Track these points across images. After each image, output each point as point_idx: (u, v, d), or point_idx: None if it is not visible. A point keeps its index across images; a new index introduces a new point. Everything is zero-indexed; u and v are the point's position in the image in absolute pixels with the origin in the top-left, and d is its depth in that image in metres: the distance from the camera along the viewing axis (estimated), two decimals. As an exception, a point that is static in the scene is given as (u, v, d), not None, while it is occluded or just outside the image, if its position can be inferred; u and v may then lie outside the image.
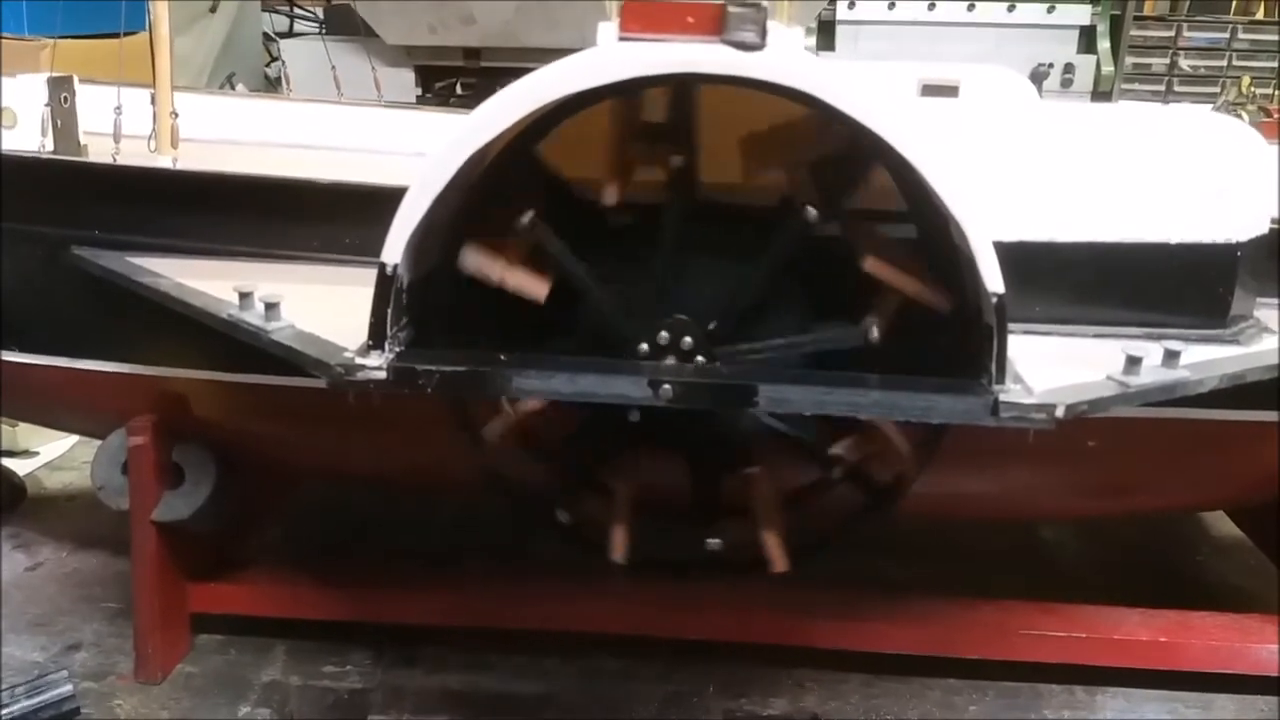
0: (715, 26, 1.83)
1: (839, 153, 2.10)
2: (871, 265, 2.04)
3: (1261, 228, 2.33)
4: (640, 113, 2.25)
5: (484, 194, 2.14)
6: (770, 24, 1.87)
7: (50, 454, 4.21)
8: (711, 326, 2.10)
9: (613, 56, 1.85)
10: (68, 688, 2.67)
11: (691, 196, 2.11)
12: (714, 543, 2.31)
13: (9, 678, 2.83)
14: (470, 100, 6.60)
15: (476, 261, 2.09)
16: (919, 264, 2.12)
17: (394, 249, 1.95)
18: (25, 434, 4.13)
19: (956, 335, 2.06)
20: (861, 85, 1.90)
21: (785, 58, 1.84)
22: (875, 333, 2.03)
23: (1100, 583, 3.47)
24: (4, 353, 2.83)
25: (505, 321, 2.22)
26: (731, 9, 1.80)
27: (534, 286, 2.09)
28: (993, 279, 1.88)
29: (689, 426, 2.25)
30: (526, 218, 2.03)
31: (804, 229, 2.03)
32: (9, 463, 4.01)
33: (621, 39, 1.87)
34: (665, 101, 2.17)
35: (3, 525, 3.67)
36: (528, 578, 3.01)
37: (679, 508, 2.45)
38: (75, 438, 4.16)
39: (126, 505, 2.79)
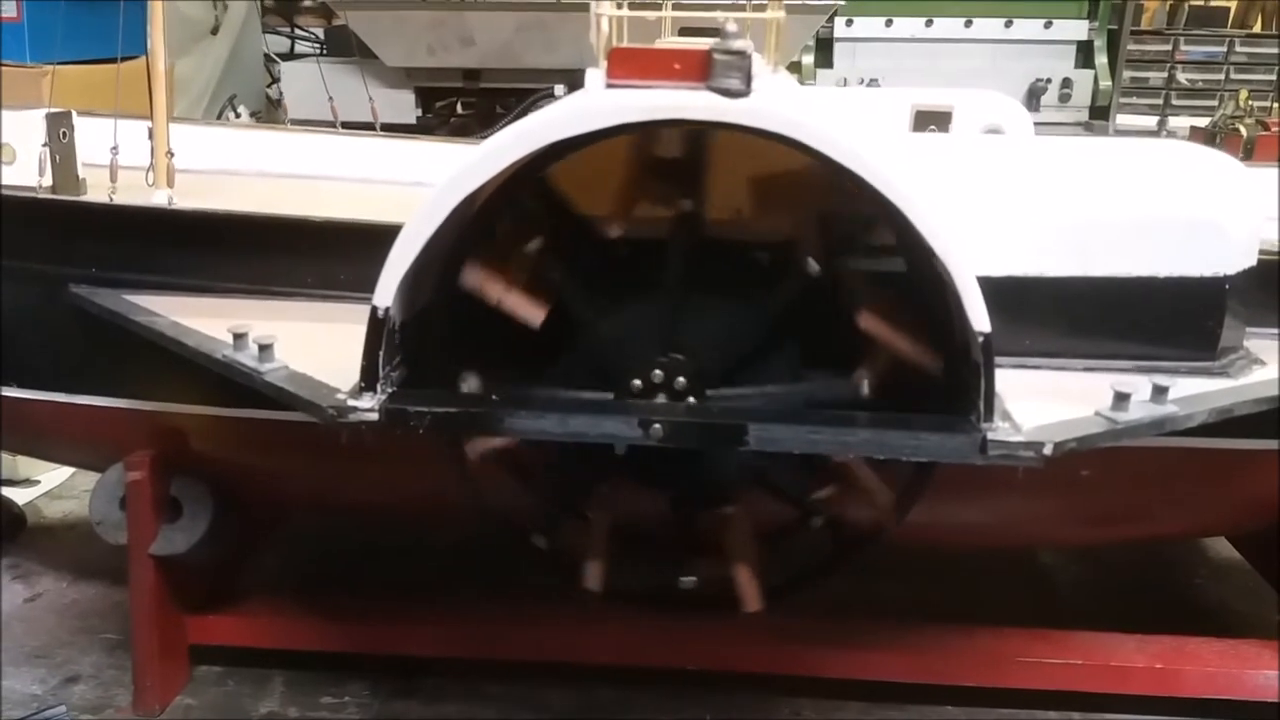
0: (701, 73, 1.84)
1: (847, 206, 2.12)
2: (867, 321, 2.06)
3: (1249, 260, 2.34)
4: (649, 150, 2.26)
5: (477, 232, 2.16)
6: (757, 68, 1.89)
7: (50, 483, 4.22)
8: (705, 367, 2.12)
9: (598, 104, 1.87)
10: (66, 722, 2.69)
11: (695, 238, 2.13)
12: (688, 580, 2.34)
13: (9, 711, 2.84)
14: (470, 121, 6.65)
15: (477, 280, 2.11)
16: (909, 306, 2.13)
17: (385, 292, 1.97)
18: (25, 463, 4.14)
19: (944, 373, 2.07)
20: (845, 126, 1.91)
21: (768, 103, 1.86)
22: (866, 388, 2.06)
23: (1097, 607, 3.48)
24: (4, 388, 2.85)
25: (496, 353, 2.24)
26: (717, 56, 1.82)
27: (530, 311, 2.11)
28: (979, 318, 1.89)
29: (668, 462, 2.26)
30: (535, 243, 2.06)
31: (804, 281, 2.06)
32: (9, 492, 4.03)
33: (609, 86, 1.89)
34: (675, 137, 2.18)
35: (3, 555, 3.69)
36: (525, 608, 3.01)
37: (656, 540, 2.47)
38: (75, 467, 4.18)
39: (124, 540, 2.81)
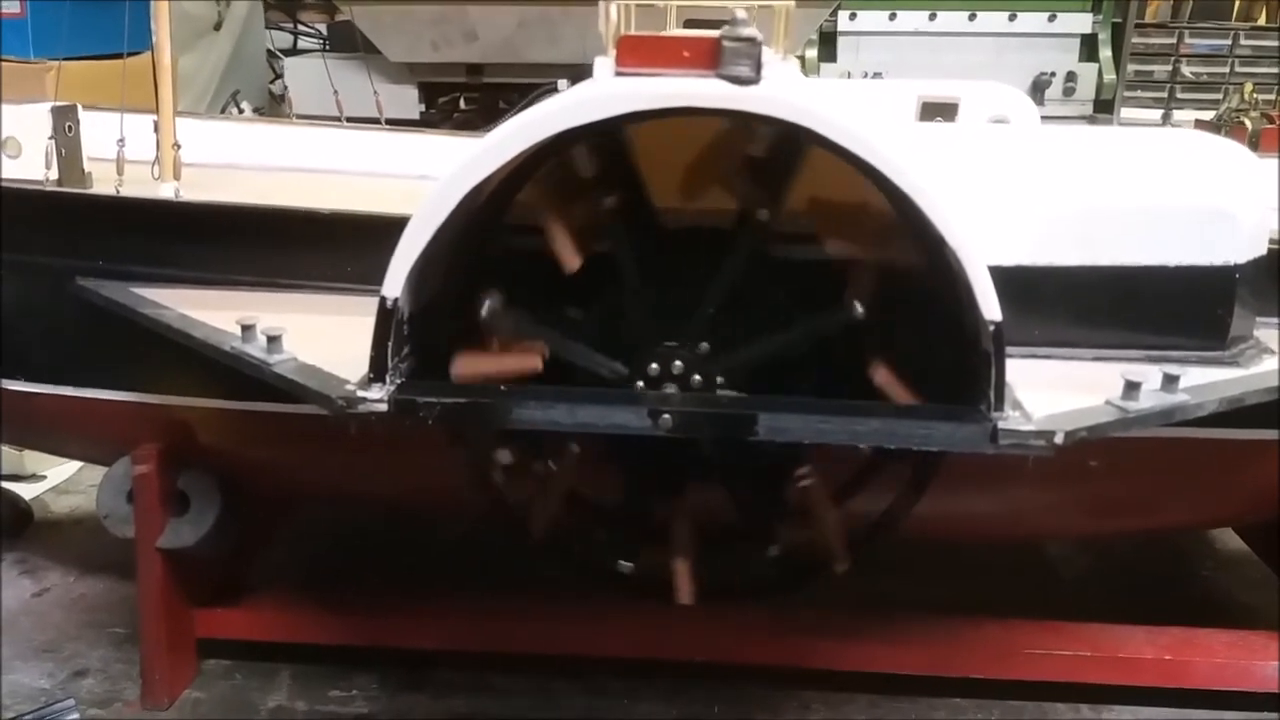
0: (711, 60, 1.84)
1: (768, 150, 2.11)
2: (880, 376, 2.08)
3: (1260, 249, 2.33)
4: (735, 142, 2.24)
5: (485, 222, 2.16)
6: (766, 55, 1.89)
7: (57, 477, 4.22)
8: (702, 347, 2.13)
9: (607, 92, 1.86)
10: (75, 716, 2.67)
11: (760, 245, 2.14)
12: (625, 565, 2.38)
13: (17, 705, 2.84)
14: (473, 116, 6.65)
15: (540, 202, 2.11)
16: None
17: (394, 283, 1.97)
18: (32, 458, 4.14)
19: (955, 361, 2.06)
20: (857, 114, 1.91)
21: (778, 90, 1.85)
22: (859, 309, 2.05)
23: (1105, 598, 3.47)
24: (10, 382, 2.85)
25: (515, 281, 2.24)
26: (726, 43, 1.81)
27: (570, 257, 2.10)
28: (990, 307, 1.89)
29: (641, 448, 2.27)
30: (485, 307, 2.10)
31: (760, 230, 2.07)
32: (16, 487, 4.03)
33: (618, 74, 1.88)
34: (765, 137, 2.15)
35: (10, 550, 3.69)
36: (533, 601, 3.01)
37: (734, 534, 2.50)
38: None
39: (132, 533, 2.81)
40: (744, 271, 2.13)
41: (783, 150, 2.07)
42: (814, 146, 1.91)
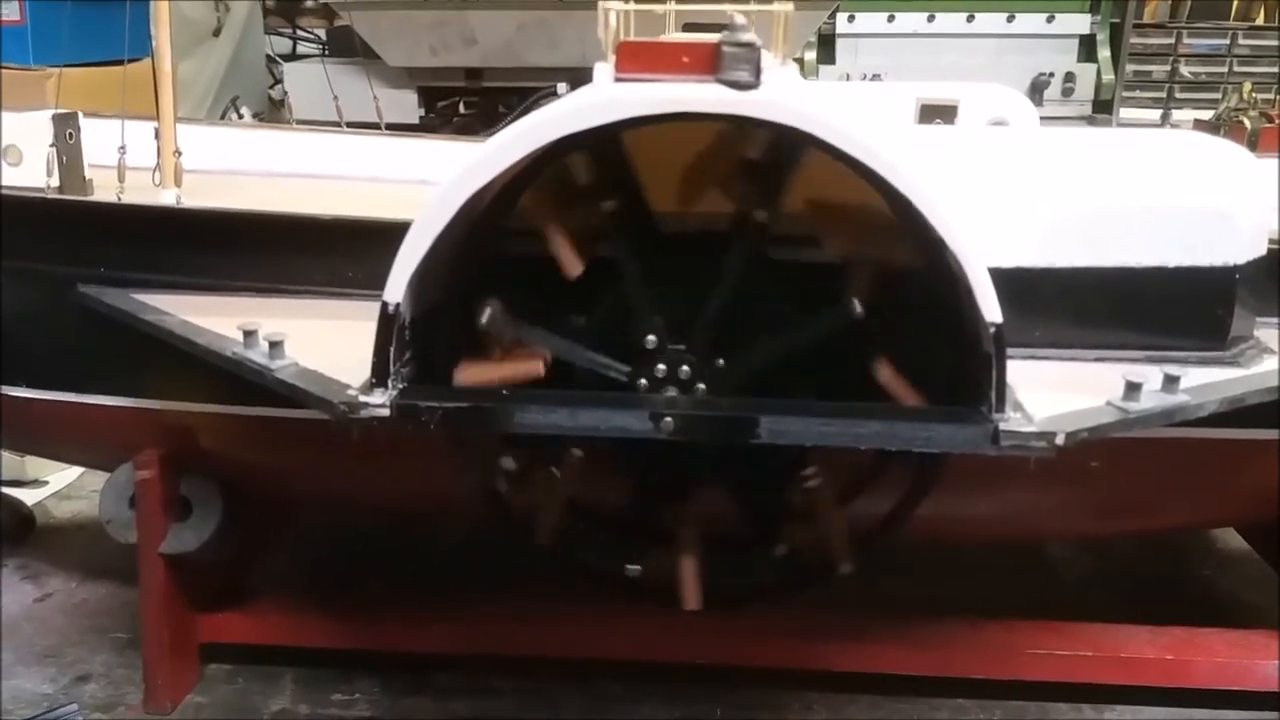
0: (710, 66, 1.84)
1: (763, 153, 2.11)
2: (883, 374, 2.07)
3: (1259, 249, 2.34)
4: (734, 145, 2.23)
5: (487, 227, 2.17)
6: (765, 60, 1.89)
7: (59, 483, 4.22)
8: (703, 350, 2.13)
9: (607, 97, 1.87)
10: (78, 721, 2.69)
11: (759, 248, 2.15)
12: (633, 569, 2.37)
13: (19, 711, 2.85)
14: (472, 120, 6.65)
15: (540, 212, 2.11)
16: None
17: (395, 288, 1.97)
18: (34, 463, 4.15)
19: (956, 362, 2.07)
20: (856, 118, 1.91)
21: (778, 95, 1.86)
22: (858, 307, 2.05)
23: (1106, 598, 3.47)
24: (12, 388, 2.86)
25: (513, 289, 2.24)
26: (725, 48, 1.82)
27: (572, 262, 2.11)
28: (990, 309, 1.89)
29: (644, 453, 2.28)
30: (486, 315, 2.09)
31: (759, 232, 2.07)
32: (18, 492, 4.03)
33: (617, 79, 1.89)
34: (762, 140, 2.15)
35: (12, 555, 3.69)
36: (534, 604, 3.02)
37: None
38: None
39: (134, 539, 2.81)
40: (744, 274, 2.14)
41: (780, 152, 2.08)
42: (814, 150, 1.91)
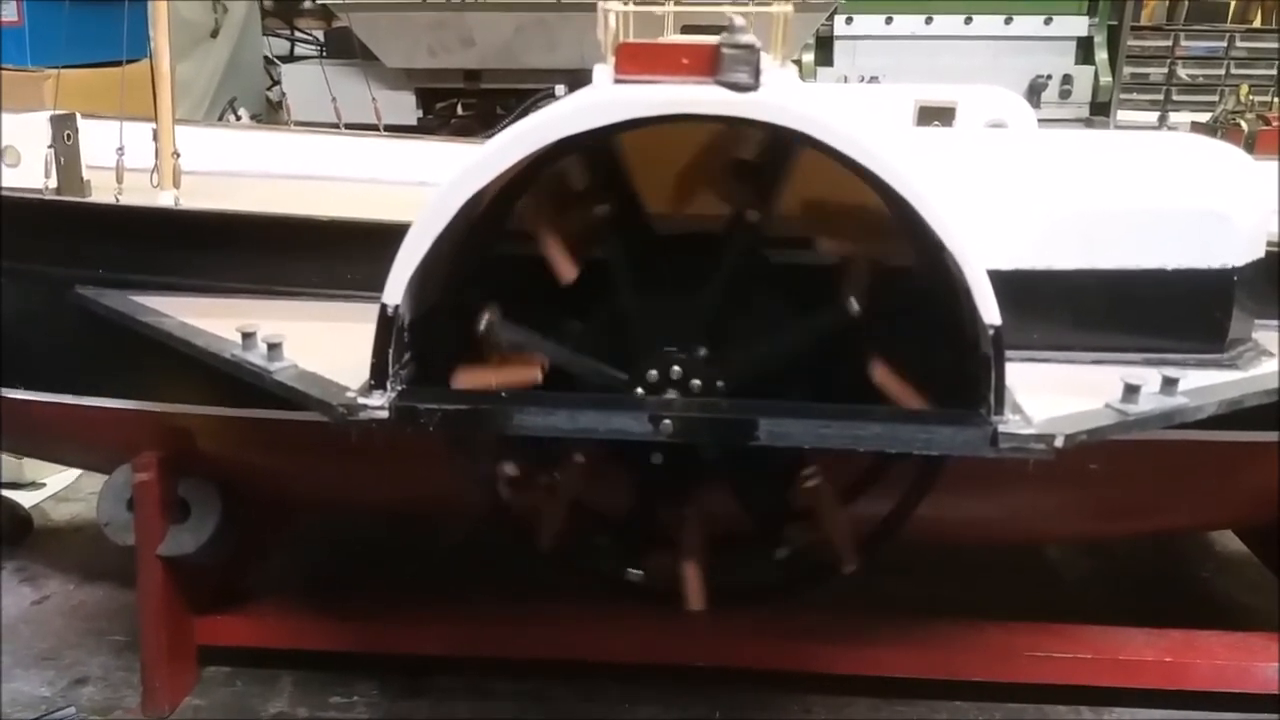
0: (709, 67, 1.84)
1: (757, 154, 2.11)
2: (879, 374, 2.07)
3: (1258, 251, 2.34)
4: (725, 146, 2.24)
5: (485, 229, 2.17)
6: (764, 62, 1.89)
7: (56, 485, 4.22)
8: (702, 351, 2.13)
9: (607, 99, 1.87)
10: (75, 724, 2.69)
11: (752, 248, 2.14)
12: (634, 573, 2.38)
13: (17, 714, 2.84)
14: (471, 121, 6.65)
15: (534, 219, 2.11)
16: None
17: (394, 290, 1.97)
18: (31, 465, 4.14)
19: (955, 365, 2.07)
20: (855, 120, 1.91)
21: (777, 97, 1.86)
22: (854, 306, 2.05)
23: (1105, 600, 3.48)
24: (10, 390, 2.85)
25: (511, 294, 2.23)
26: (725, 50, 1.82)
27: (566, 267, 2.11)
28: (989, 311, 1.89)
29: (645, 453, 2.28)
30: (483, 322, 2.08)
31: (752, 231, 2.08)
32: (16, 495, 4.03)
33: (617, 81, 1.89)
34: (755, 140, 2.15)
35: (10, 558, 3.69)
36: (533, 606, 3.01)
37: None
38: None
39: (132, 541, 2.81)
40: (740, 274, 2.13)
41: (775, 153, 2.08)
42: (811, 151, 1.91)
